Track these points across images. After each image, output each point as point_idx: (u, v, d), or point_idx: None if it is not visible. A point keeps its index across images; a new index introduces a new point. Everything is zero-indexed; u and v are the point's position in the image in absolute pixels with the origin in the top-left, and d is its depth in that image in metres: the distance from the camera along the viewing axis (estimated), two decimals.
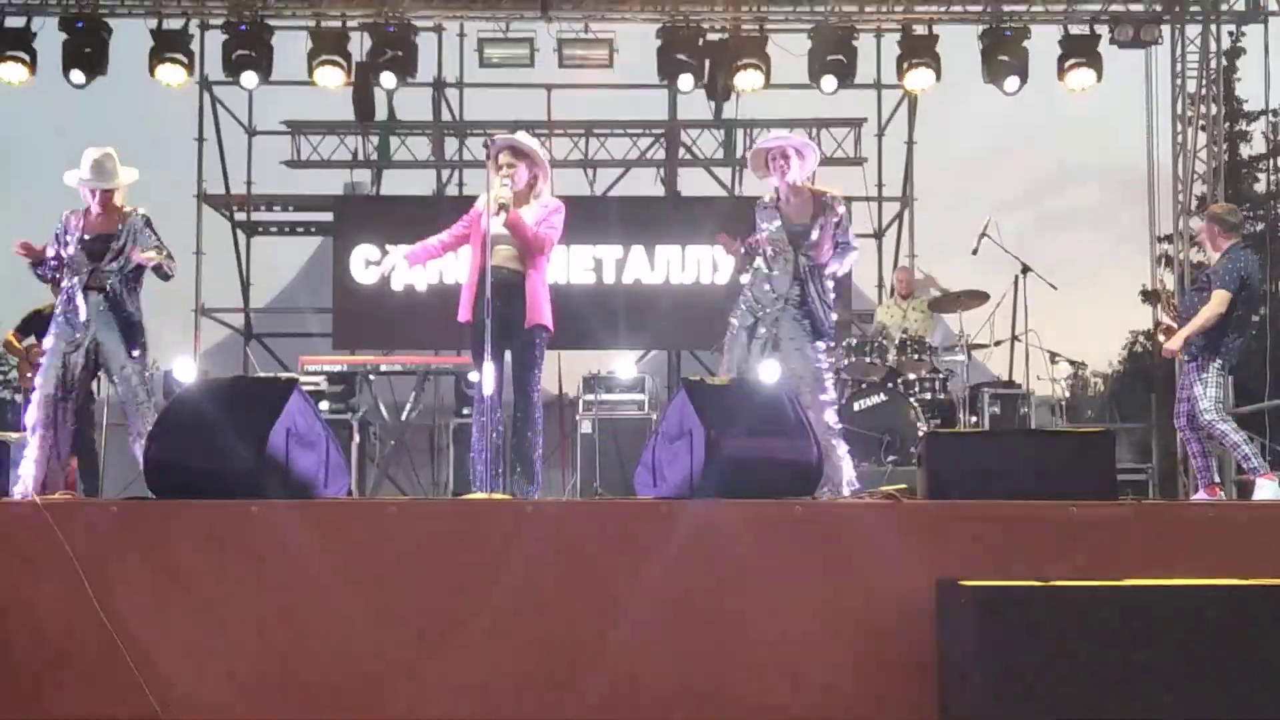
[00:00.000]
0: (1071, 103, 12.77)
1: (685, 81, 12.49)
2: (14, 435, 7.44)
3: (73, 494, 7.11)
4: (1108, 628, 4.64)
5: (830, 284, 7.17)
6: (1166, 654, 4.61)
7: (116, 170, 7.31)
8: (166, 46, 12.11)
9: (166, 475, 5.49)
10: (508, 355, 7.10)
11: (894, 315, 11.35)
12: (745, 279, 7.32)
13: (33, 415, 7.13)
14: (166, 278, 7.36)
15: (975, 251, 9.95)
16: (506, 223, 6.90)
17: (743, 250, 7.18)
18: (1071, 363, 11.01)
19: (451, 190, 14.87)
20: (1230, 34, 12.55)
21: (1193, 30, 12.78)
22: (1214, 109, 12.92)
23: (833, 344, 7.11)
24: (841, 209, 7.12)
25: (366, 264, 13.17)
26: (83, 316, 7.14)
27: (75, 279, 7.18)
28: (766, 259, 7.10)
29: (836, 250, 7.04)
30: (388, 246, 12.88)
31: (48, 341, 7.29)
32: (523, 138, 7.21)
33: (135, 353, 7.24)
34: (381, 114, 13.99)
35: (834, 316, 7.13)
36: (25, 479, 6.87)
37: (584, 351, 12.64)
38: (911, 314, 11.26)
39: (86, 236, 7.22)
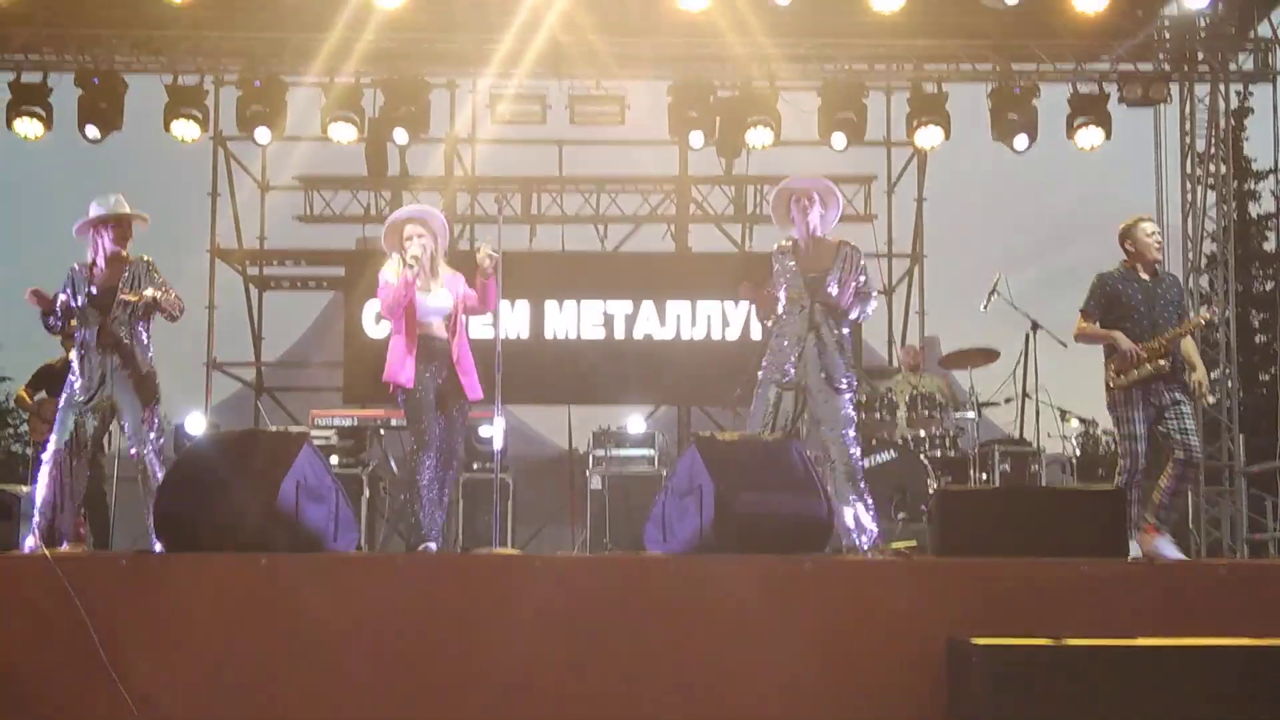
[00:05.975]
0: (1081, 159, 12.78)
1: (696, 138, 12.58)
2: (25, 489, 7.42)
3: (82, 547, 7.08)
4: (1119, 687, 4.61)
5: (848, 332, 7.12)
6: (1178, 714, 4.57)
7: (128, 207, 7.32)
8: (182, 102, 12.19)
9: (176, 528, 5.50)
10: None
11: (905, 390, 11.25)
12: (768, 327, 7.24)
13: (45, 470, 7.12)
14: (172, 319, 7.30)
15: (985, 308, 9.94)
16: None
17: (768, 295, 7.12)
18: (1082, 420, 10.95)
19: (463, 245, 14.91)
20: (1238, 93, 12.55)
21: (1201, 89, 12.83)
22: (1223, 168, 12.95)
23: (855, 391, 7.02)
24: (862, 259, 7.10)
25: (378, 319, 13.20)
26: (97, 375, 7.12)
27: (87, 335, 7.16)
28: (785, 308, 7.03)
29: (858, 298, 7.02)
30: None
31: (63, 398, 7.26)
32: (428, 211, 7.16)
33: (149, 410, 7.22)
34: (394, 169, 14.05)
35: (851, 368, 7.04)
36: (35, 533, 6.86)
37: (594, 407, 12.64)
38: (923, 389, 11.18)
39: (94, 291, 7.20)
